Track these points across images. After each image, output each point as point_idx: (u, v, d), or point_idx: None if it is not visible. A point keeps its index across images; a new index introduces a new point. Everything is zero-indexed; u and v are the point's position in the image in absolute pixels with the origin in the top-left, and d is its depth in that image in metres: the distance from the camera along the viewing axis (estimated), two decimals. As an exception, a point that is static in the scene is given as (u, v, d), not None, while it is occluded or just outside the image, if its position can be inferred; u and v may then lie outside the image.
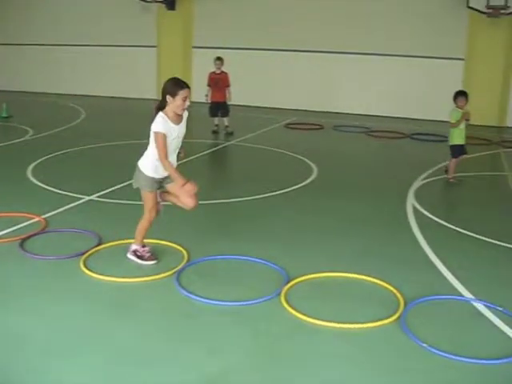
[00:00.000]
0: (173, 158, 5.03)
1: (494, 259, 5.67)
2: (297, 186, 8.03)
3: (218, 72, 12.14)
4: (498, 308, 4.51)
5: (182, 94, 4.79)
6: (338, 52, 15.64)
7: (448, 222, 6.62)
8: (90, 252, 5.39)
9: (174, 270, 5.03)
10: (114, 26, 17.73)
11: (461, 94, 8.53)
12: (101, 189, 7.53)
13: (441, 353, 3.84)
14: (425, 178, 8.73)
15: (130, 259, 5.28)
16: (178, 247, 5.57)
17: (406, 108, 15.24)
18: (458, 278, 5.09)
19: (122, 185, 7.62)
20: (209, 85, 12.22)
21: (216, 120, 12.35)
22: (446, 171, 8.75)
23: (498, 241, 6.08)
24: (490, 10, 14.15)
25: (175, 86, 4.82)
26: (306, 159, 9.73)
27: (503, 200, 7.92)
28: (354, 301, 4.64)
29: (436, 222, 6.70)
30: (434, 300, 4.65)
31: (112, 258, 5.34)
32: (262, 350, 3.89)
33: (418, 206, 7.23)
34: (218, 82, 12.10)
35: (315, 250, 5.73)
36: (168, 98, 4.81)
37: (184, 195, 4.98)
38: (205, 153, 10.38)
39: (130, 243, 5.36)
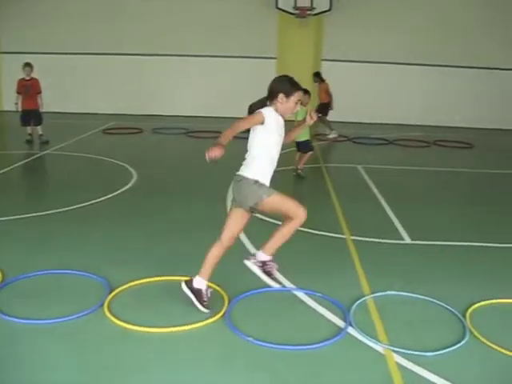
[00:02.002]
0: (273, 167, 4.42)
1: (311, 248, 5.92)
2: (116, 193, 7.84)
3: (28, 78, 11.56)
4: (317, 294, 4.72)
5: (297, 95, 4.30)
6: (154, 54, 15.60)
7: (269, 216, 6.80)
8: None
9: (-14, 293, 4.67)
10: None
11: (305, 93, 8.85)
12: None
13: (266, 344, 3.93)
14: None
15: (250, 268, 4.51)
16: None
17: (227, 108, 15.54)
18: (279, 269, 5.20)
19: None
20: (18, 92, 11.61)
21: (29, 129, 11.74)
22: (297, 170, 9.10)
23: (315, 230, 6.36)
24: (298, 11, 14.86)
25: (293, 85, 4.28)
26: (125, 164, 9.55)
27: (319, 191, 8.32)
28: (179, 304, 4.58)
29: (257, 217, 6.84)
30: (256, 294, 4.75)
31: None
32: (90, 364, 3.73)
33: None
34: (29, 88, 11.53)
35: (137, 256, 5.60)
36: (281, 97, 4.25)
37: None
38: (18, 164, 9.83)
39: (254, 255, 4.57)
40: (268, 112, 4.23)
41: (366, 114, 15.66)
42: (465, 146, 12.90)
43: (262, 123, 4.21)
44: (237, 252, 5.60)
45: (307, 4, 14.87)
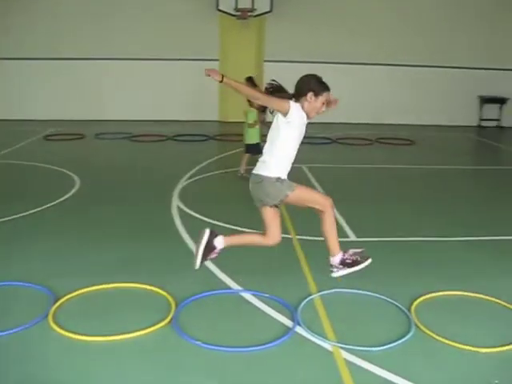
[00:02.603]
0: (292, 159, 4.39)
1: (257, 249, 5.88)
2: (59, 200, 7.65)
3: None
4: (264, 295, 4.73)
5: (325, 95, 4.24)
6: (92, 58, 15.37)
7: (213, 219, 6.78)
8: None
9: None
10: None
11: None
12: None
13: (215, 347, 3.91)
14: (189, 178, 8.89)
15: (343, 275, 4.53)
16: None
17: (170, 111, 15.47)
18: (225, 271, 5.23)
19: None
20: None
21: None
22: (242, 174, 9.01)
23: (261, 231, 6.36)
24: (239, 13, 14.88)
25: (322, 84, 4.23)
26: (67, 171, 9.35)
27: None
28: (125, 310, 4.53)
29: (200, 219, 6.83)
30: (203, 297, 4.72)
31: None
32: (36, 377, 3.64)
33: (183, 207, 7.32)
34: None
35: (82, 264, 5.49)
36: (310, 95, 4.20)
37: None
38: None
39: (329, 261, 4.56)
40: (296, 106, 4.19)
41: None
42: (406, 143, 13.13)
43: (285, 114, 4.17)
44: (182, 256, 5.61)
45: (248, 5, 14.90)
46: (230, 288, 4.92)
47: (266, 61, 15.81)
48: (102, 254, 5.77)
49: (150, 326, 4.18)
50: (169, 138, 12.61)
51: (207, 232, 4.50)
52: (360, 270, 4.53)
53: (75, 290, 4.78)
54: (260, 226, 6.42)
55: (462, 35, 16.08)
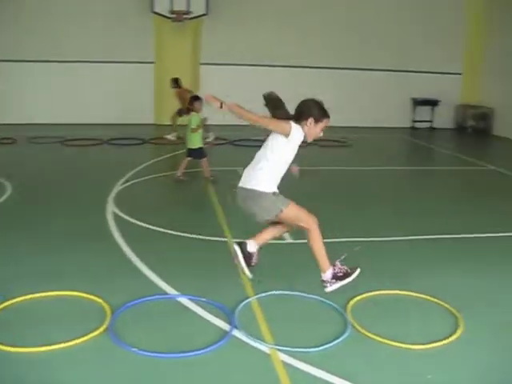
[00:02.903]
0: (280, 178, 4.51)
1: (193, 253, 5.90)
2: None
3: None
4: (201, 299, 4.70)
5: (325, 122, 4.38)
6: (22, 60, 14.97)
7: (148, 223, 6.71)
8: None
9: None
10: None
11: (197, 99, 8.82)
12: None
13: (151, 354, 3.86)
14: (124, 183, 8.77)
15: (336, 289, 4.61)
16: None
17: (106, 114, 15.22)
18: (161, 276, 5.17)
19: None
20: None
21: None
22: (210, 177, 9.03)
23: (197, 235, 6.37)
24: (174, 15, 14.79)
25: (323, 111, 4.38)
26: (-2, 177, 9.08)
27: (200, 196, 8.32)
28: (58, 319, 4.40)
29: (137, 224, 6.75)
30: (140, 303, 4.65)
31: None
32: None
33: (118, 212, 7.21)
34: None
35: (14, 272, 5.30)
36: (310, 121, 4.33)
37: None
38: None
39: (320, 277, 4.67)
40: (297, 129, 4.32)
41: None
42: (341, 144, 13.31)
43: (287, 136, 4.28)
44: (118, 262, 5.54)
45: (183, 8, 14.83)
46: (166, 293, 4.86)
47: (202, 64, 15.76)
48: (34, 261, 5.61)
49: (84, 335, 4.08)
50: (103, 142, 12.41)
51: (236, 247, 4.68)
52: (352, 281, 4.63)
53: (7, 300, 4.63)
54: (198, 230, 6.46)
55: (396, 39, 16.46)
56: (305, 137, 4.42)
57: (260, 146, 4.71)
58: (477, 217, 7.60)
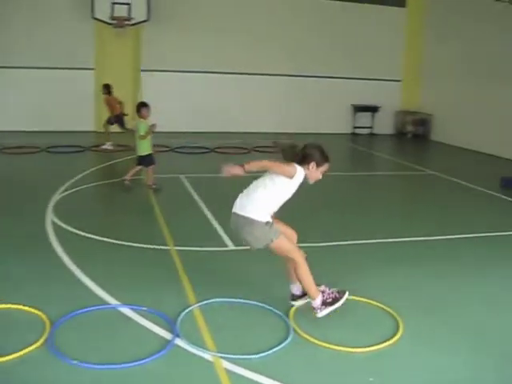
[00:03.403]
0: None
1: (134, 262, 5.83)
2: None
3: None
4: (142, 308, 4.64)
5: (325, 166, 4.51)
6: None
7: (88, 232, 6.60)
8: None
9: None
10: None
11: (144, 105, 8.71)
12: None
13: (92, 366, 3.78)
14: (64, 191, 8.59)
15: (325, 315, 4.51)
16: None
17: (45, 121, 14.92)
18: (102, 286, 5.08)
19: None
20: None
21: None
22: (153, 186, 8.89)
23: (138, 243, 6.30)
24: (115, 21, 14.62)
25: (325, 156, 4.50)
26: None
27: (141, 203, 8.23)
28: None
29: (76, 234, 6.62)
30: (80, 314, 4.55)
31: None
32: None
33: (58, 221, 7.06)
34: None
35: None
36: (312, 165, 4.45)
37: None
38: None
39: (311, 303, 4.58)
40: (301, 172, 4.43)
41: (188, 123, 15.75)
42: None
43: (291, 178, 4.39)
44: (57, 273, 5.42)
45: (124, 14, 14.68)
46: (107, 303, 4.78)
47: (143, 70, 15.63)
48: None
49: (23, 349, 3.96)
50: (42, 150, 12.14)
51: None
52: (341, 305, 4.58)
53: None
54: (139, 238, 6.39)
55: (337, 47, 16.75)
56: (306, 178, 4.53)
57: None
58: (413, 221, 7.77)
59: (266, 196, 4.46)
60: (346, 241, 6.73)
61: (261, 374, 3.78)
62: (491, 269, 6.06)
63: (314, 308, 4.56)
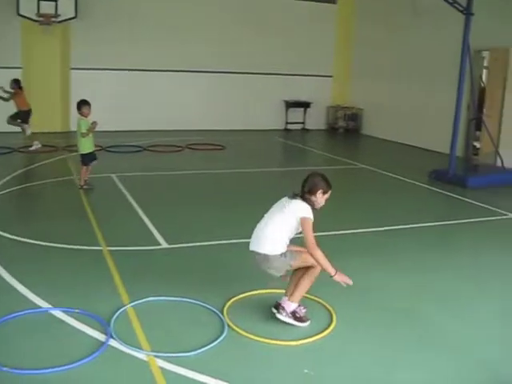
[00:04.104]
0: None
1: (66, 264, 5.74)
2: None
3: None
4: (75, 311, 4.58)
5: (329, 193, 4.66)
6: None
7: (17, 235, 6.45)
8: None
9: None
10: None
11: (85, 103, 8.57)
12: None
13: (23, 372, 3.71)
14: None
15: (284, 321, 4.56)
16: None
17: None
18: (34, 291, 4.97)
19: None
20: None
21: None
22: (84, 183, 8.82)
23: (70, 245, 6.21)
24: (42, 18, 14.26)
25: (328, 185, 4.66)
26: None
27: (73, 204, 8.09)
28: None
29: (4, 236, 6.46)
30: (10, 319, 4.45)
31: None
32: None
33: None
34: None
35: None
36: (319, 193, 4.59)
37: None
38: None
39: (280, 302, 4.63)
40: (310, 212, 4.54)
41: (122, 121, 15.53)
42: (217, 147, 13.41)
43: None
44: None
45: (51, 11, 14.34)
46: (38, 307, 4.69)
47: (72, 68, 15.32)
48: None
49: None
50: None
51: (283, 317, 4.59)
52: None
53: None
54: (70, 239, 6.28)
55: (268, 43, 16.82)
56: (312, 208, 4.62)
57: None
58: (346, 213, 7.93)
59: (280, 234, 4.57)
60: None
61: (196, 371, 3.79)
62: (423, 259, 6.28)
63: (281, 307, 4.62)
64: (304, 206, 4.55)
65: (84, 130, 8.58)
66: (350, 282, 4.49)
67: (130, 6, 15.52)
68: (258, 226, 4.70)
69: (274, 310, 4.64)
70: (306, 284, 4.60)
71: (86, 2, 14.86)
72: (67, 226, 7.06)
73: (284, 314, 4.59)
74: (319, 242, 4.46)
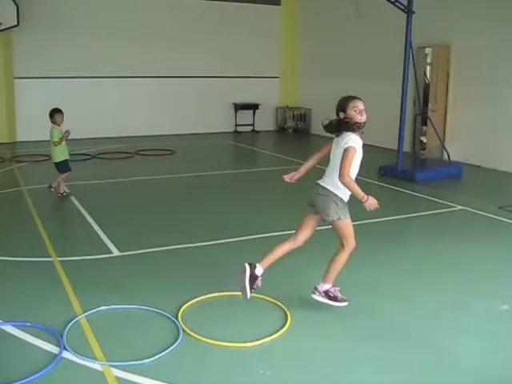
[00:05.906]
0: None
1: (16, 277, 5.63)
2: None
3: None
4: (26, 324, 4.50)
5: (355, 102, 4.69)
6: None
7: None
8: None
9: None
10: None
11: (58, 112, 8.46)
12: None
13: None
14: None
15: (319, 300, 4.82)
16: None
17: None
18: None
19: None
20: None
21: None
22: (50, 187, 8.75)
23: (19, 257, 6.11)
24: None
25: (344, 98, 4.76)
26: None
27: (21, 216, 7.94)
28: None
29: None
30: (-41, 336, 4.37)
31: None
32: None
33: None
34: None
35: None
36: (348, 108, 4.66)
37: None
38: None
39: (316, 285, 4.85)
40: (355, 140, 4.62)
41: (69, 129, 15.26)
42: (166, 153, 13.35)
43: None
44: None
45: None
46: (-13, 322, 4.60)
47: (16, 77, 15.02)
48: None
49: None
50: None
51: (247, 266, 4.65)
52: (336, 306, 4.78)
53: None
54: (18, 251, 6.16)
55: (215, 46, 16.88)
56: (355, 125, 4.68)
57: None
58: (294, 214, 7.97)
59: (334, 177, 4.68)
60: (230, 238, 6.86)
61: (152, 378, 3.78)
62: (375, 254, 6.38)
63: (316, 289, 4.83)
64: (352, 136, 4.64)
65: (56, 139, 8.50)
66: (377, 207, 4.57)
67: (74, 13, 15.29)
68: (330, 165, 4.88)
69: (312, 293, 4.83)
70: (338, 265, 4.78)
71: (29, 10, 14.57)
72: (16, 239, 6.91)
73: (317, 293, 4.82)
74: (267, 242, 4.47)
